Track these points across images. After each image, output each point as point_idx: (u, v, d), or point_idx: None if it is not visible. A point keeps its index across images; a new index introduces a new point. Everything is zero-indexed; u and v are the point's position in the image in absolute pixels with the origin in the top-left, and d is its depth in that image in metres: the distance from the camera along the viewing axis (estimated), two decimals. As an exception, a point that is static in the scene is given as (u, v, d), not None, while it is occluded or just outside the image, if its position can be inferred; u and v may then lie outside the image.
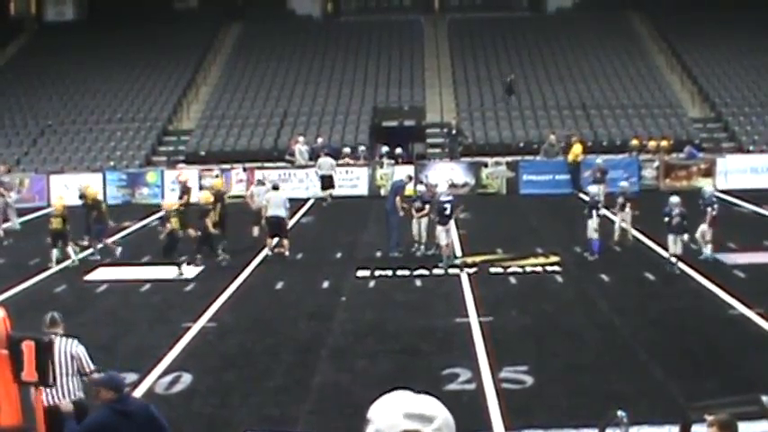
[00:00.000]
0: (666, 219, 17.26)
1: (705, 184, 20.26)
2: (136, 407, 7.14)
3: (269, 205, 19.20)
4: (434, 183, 23.72)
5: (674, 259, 17.06)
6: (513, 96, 33.99)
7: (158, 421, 7.14)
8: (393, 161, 29.26)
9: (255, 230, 20.23)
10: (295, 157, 29.90)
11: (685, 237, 17.20)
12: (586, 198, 20.60)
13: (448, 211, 18.06)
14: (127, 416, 6.94)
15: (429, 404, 2.14)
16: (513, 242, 20.21)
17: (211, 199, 18.93)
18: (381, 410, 2.12)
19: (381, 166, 29.09)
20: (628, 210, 19.21)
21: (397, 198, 19.61)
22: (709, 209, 18.16)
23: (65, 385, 8.28)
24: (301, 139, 30.48)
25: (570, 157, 28.33)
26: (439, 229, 18.11)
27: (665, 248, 17.47)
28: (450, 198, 18.57)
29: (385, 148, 30.16)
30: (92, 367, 8.49)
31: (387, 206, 19.90)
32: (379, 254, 19.43)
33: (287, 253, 19.15)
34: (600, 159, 26.25)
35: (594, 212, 18.26)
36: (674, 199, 17.51)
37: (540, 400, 10.66)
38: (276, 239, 19.33)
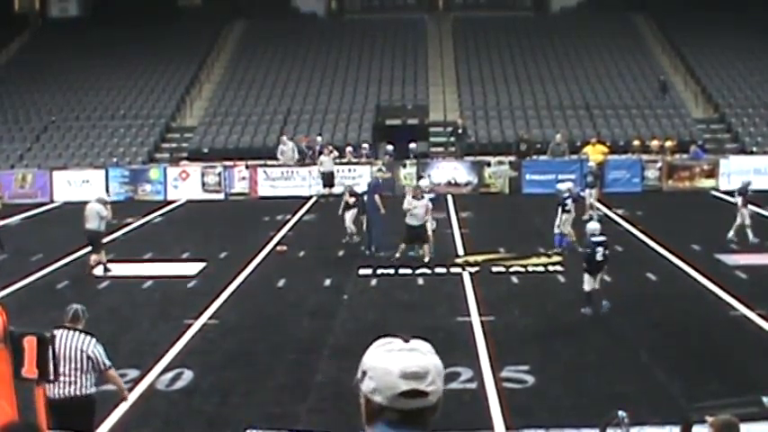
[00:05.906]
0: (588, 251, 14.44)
1: (561, 184, 20.32)
2: None
3: (86, 219, 17.74)
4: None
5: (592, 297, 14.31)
6: (668, 95, 33.90)
7: None
8: (415, 160, 29.30)
9: (93, 258, 17.66)
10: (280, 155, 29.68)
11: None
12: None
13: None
14: None
15: (421, 359, 2.16)
16: (516, 242, 20.20)
17: None
18: (379, 368, 2.14)
19: (404, 167, 29.06)
20: (573, 213, 19.32)
21: (377, 196, 19.57)
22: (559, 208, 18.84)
23: (78, 380, 8.33)
24: (284, 137, 30.28)
25: (596, 158, 27.73)
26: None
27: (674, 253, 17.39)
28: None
29: (412, 145, 30.26)
30: (107, 364, 8.57)
31: (367, 206, 19.62)
32: (380, 253, 19.40)
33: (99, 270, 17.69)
34: (592, 162, 26.19)
35: (561, 209, 18.83)
36: (593, 226, 14.86)
37: (541, 399, 10.67)
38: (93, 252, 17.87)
